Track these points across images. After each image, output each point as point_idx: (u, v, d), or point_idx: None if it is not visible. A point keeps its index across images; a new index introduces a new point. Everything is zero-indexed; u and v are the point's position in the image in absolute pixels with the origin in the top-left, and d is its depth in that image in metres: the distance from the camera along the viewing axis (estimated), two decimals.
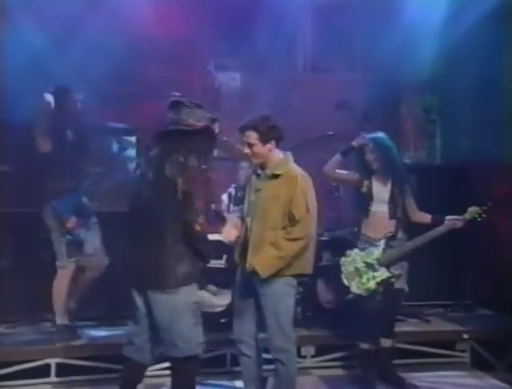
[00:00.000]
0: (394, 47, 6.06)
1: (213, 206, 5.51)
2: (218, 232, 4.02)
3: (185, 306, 3.52)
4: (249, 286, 3.99)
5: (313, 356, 5.06)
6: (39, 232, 4.93)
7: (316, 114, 6.19)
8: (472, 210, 4.65)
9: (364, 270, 4.61)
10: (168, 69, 6.13)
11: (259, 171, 4.03)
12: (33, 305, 5.21)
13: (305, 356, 5.05)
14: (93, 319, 5.22)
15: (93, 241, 4.83)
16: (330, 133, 5.38)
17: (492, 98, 5.79)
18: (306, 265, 4.00)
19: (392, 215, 4.67)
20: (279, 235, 3.87)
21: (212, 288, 5.14)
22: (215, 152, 5.56)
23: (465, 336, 5.20)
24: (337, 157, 4.70)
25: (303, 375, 4.85)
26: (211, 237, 5.21)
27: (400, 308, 4.85)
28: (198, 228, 3.47)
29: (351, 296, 4.61)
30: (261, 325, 4.04)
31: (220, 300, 5.09)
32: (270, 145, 3.93)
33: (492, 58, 5.74)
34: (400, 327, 5.28)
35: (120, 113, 5.67)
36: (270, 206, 3.90)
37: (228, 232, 3.96)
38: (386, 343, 4.76)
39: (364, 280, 4.59)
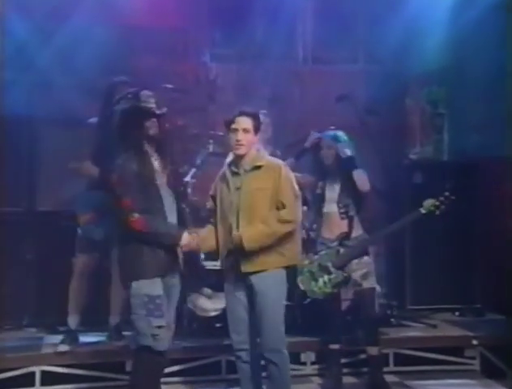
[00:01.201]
0: (399, 36, 6.09)
1: (208, 204, 5.55)
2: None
3: (136, 299, 3.83)
4: (240, 289, 4.04)
5: (313, 363, 5.07)
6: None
7: (316, 108, 6.21)
8: (428, 203, 4.65)
9: (320, 273, 4.71)
10: (159, 59, 6.14)
11: (233, 168, 4.07)
12: (17, 309, 5.24)
13: (304, 363, 5.07)
14: (81, 324, 5.16)
15: None
16: (331, 127, 5.38)
17: (503, 90, 5.79)
18: (295, 255, 4.12)
19: (343, 215, 4.79)
20: (270, 215, 3.97)
21: (207, 291, 5.16)
22: (211, 148, 5.60)
23: (474, 342, 5.19)
24: (290, 161, 4.81)
25: (303, 383, 4.89)
26: None
27: (374, 310, 4.84)
28: (132, 225, 3.77)
29: (308, 300, 4.76)
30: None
31: (215, 303, 5.10)
32: (257, 137, 4.07)
33: (502, 47, 5.74)
34: (405, 333, 5.31)
35: None
36: (256, 200, 3.98)
37: (186, 242, 3.93)
38: (372, 350, 4.79)
39: (320, 284, 4.69)
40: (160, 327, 3.82)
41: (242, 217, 3.98)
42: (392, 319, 5.46)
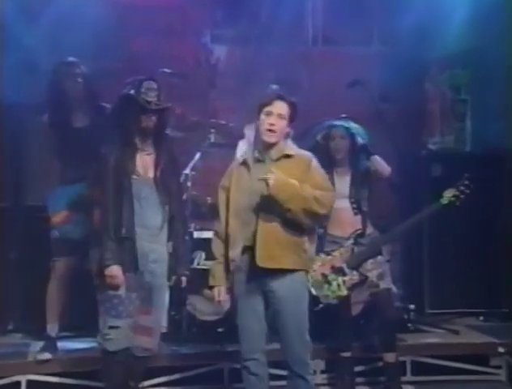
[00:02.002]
0: (418, 15, 6.03)
1: (209, 199, 5.51)
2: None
3: (98, 295, 4.03)
4: (255, 293, 3.99)
5: (323, 372, 5.04)
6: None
7: (327, 94, 6.17)
8: (449, 193, 4.65)
9: (333, 276, 4.66)
10: (156, 41, 6.12)
11: (258, 155, 4.01)
12: (2, 313, 5.22)
13: (314, 372, 5.00)
14: (68, 329, 5.14)
15: None
16: (343, 115, 5.32)
17: None
18: (310, 260, 4.09)
19: (356, 211, 4.77)
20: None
21: (208, 292, 5.09)
22: (212, 138, 5.55)
23: (500, 350, 5.15)
24: None
25: None
26: (208, 234, 5.23)
27: (392, 312, 4.81)
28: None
29: (320, 306, 4.63)
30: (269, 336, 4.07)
31: (217, 306, 5.02)
32: (289, 129, 4.02)
33: None
34: (424, 339, 5.28)
35: (102, 92, 5.61)
36: None
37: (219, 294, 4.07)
38: (389, 357, 4.75)
39: (334, 287, 4.64)
40: (112, 327, 3.96)
41: (266, 210, 3.91)
42: (409, 324, 5.44)
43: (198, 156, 5.41)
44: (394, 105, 5.53)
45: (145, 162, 4.05)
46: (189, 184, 5.27)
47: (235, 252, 3.99)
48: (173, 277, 4.22)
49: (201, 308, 5.10)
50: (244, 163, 4.05)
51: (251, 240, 3.93)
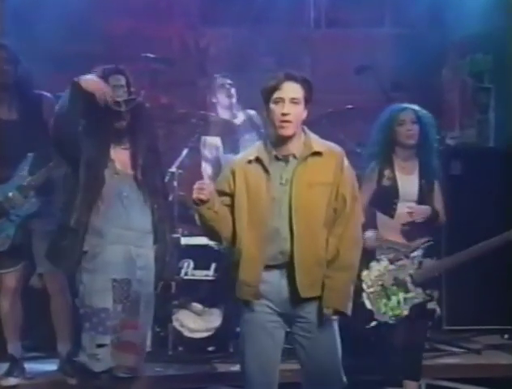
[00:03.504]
0: None
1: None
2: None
3: (81, 308, 4.04)
4: (277, 319, 3.65)
5: None
6: None
7: (331, 81, 6.19)
8: None
9: (394, 290, 4.52)
10: (139, 22, 6.14)
11: (276, 153, 3.64)
12: None
13: None
14: (36, 349, 5.15)
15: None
16: (350, 106, 5.36)
17: None
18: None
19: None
20: (332, 243, 3.62)
21: (197, 306, 5.14)
22: (201, 132, 5.57)
23: None
24: None
25: None
26: (197, 240, 5.26)
27: (426, 336, 4.75)
28: None
29: (374, 323, 4.47)
30: None
31: (207, 322, 5.09)
32: (305, 114, 3.67)
33: None
34: (441, 359, 5.20)
35: None
36: (316, 198, 3.60)
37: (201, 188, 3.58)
38: (411, 386, 4.61)
39: (393, 304, 4.50)
40: (101, 345, 3.92)
41: (297, 221, 3.57)
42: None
43: (185, 152, 5.41)
44: (408, 94, 5.52)
45: (122, 157, 4.03)
46: (175, 183, 5.25)
47: (252, 274, 3.60)
48: (161, 283, 4.19)
49: (189, 324, 5.09)
50: (257, 161, 3.64)
51: (278, 259, 3.59)
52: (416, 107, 4.68)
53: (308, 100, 3.62)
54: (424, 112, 4.67)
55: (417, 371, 4.67)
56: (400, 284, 4.54)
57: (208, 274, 5.13)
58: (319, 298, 3.60)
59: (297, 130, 3.62)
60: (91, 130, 3.99)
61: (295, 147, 3.63)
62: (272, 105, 3.58)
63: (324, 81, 6.27)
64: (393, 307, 4.49)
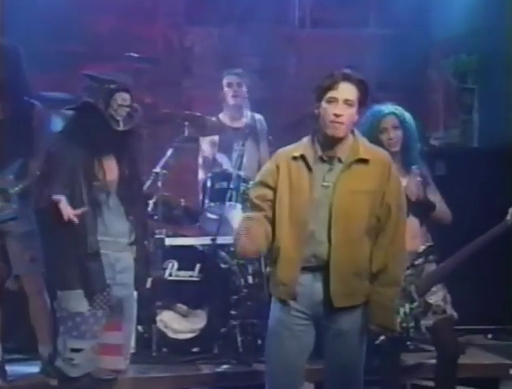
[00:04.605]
0: None
1: (182, 201, 5.53)
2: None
3: (57, 312, 4.03)
4: (308, 324, 3.62)
5: None
6: None
7: (316, 81, 6.17)
8: None
9: (401, 301, 4.26)
10: (123, 21, 6.11)
11: (322, 154, 3.56)
12: None
13: None
14: (16, 352, 5.09)
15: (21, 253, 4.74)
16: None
17: None
18: None
19: (422, 221, 4.51)
20: (379, 256, 3.58)
21: (181, 307, 5.13)
22: (186, 132, 5.57)
23: None
24: None
25: None
26: (181, 240, 5.25)
27: (457, 346, 4.61)
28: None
29: (382, 339, 4.10)
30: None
31: (192, 323, 5.09)
32: (357, 116, 3.63)
33: None
34: (425, 359, 5.18)
35: (59, 80, 5.63)
36: (359, 206, 3.54)
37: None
38: None
39: (401, 316, 4.31)
40: (75, 350, 3.90)
41: (337, 227, 3.52)
42: (409, 342, 5.44)
43: (169, 152, 5.39)
44: (392, 95, 5.52)
45: (104, 166, 4.01)
46: (159, 184, 5.25)
47: (290, 274, 3.55)
48: (149, 279, 4.20)
49: (173, 325, 5.09)
50: (302, 159, 3.58)
51: (311, 261, 3.56)
52: (398, 110, 4.57)
53: (362, 103, 3.58)
54: (406, 114, 4.56)
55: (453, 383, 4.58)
56: (406, 296, 4.37)
57: (193, 275, 5.13)
58: (353, 307, 3.57)
59: (347, 135, 3.57)
60: (79, 141, 3.98)
61: (341, 150, 3.57)
62: (325, 104, 3.54)
63: (308, 80, 6.26)
64: (402, 320, 4.32)
